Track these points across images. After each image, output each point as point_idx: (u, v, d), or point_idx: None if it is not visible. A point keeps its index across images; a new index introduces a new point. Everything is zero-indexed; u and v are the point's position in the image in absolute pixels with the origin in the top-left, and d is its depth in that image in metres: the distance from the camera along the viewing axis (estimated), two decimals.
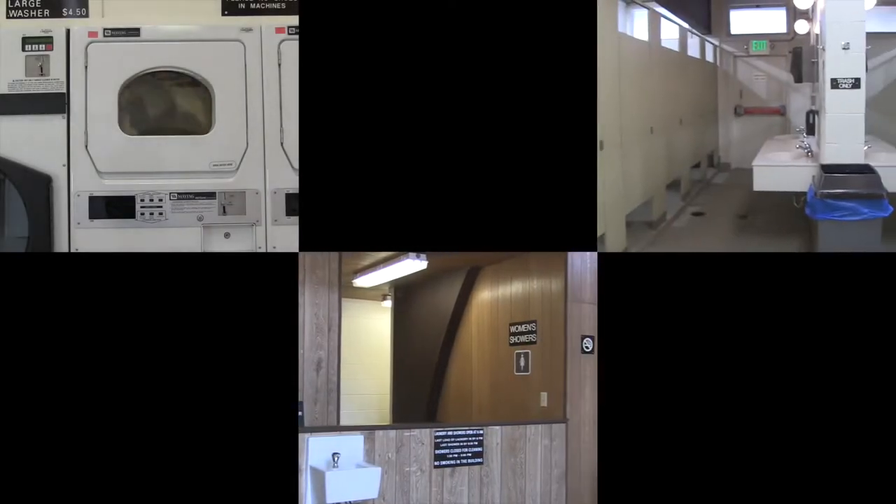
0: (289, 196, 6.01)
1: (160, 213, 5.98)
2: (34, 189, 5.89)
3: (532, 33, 5.16)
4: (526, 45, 5.16)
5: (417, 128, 5.18)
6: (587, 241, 5.23)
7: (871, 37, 10.12)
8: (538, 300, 7.21)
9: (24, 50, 5.91)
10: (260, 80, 6.02)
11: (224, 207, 6.02)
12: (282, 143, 5.99)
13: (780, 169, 7.75)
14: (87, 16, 6.02)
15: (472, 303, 8.45)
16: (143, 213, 5.97)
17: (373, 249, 6.70)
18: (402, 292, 9.79)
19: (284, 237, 6.03)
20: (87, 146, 5.94)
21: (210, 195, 6.01)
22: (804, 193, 7.28)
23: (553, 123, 5.16)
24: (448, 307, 8.63)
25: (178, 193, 5.99)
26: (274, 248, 6.05)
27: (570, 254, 6.72)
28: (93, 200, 5.96)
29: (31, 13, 6.00)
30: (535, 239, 5.28)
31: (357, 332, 9.45)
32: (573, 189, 5.16)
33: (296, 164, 5.92)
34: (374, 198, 5.20)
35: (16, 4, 6.00)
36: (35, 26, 5.95)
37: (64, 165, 5.94)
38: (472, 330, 8.42)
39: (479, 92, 5.17)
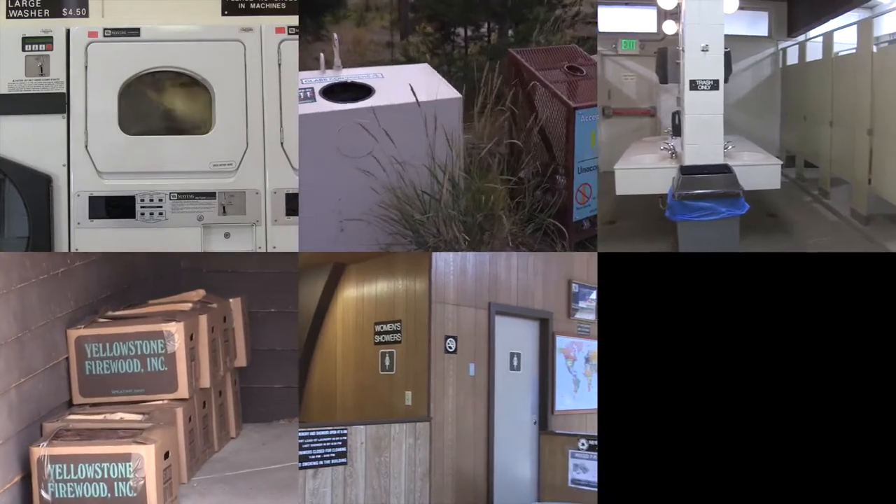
0: (289, 196, 6.05)
1: (160, 213, 5.99)
2: (34, 189, 5.85)
3: None
4: None
5: None
6: None
7: (739, 39, 10.31)
8: (403, 300, 7.18)
9: (24, 50, 5.86)
10: (260, 80, 6.05)
11: (224, 207, 6.04)
12: (282, 143, 6.04)
13: (642, 171, 7.57)
14: (87, 16, 5.98)
15: (337, 300, 8.40)
16: (143, 213, 5.97)
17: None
18: None
19: (284, 237, 6.06)
20: (87, 146, 5.92)
21: (210, 195, 6.03)
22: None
23: None
24: (312, 304, 8.52)
25: (178, 193, 6.00)
26: (274, 248, 6.08)
27: (434, 254, 6.74)
28: (93, 200, 5.94)
29: (31, 13, 5.93)
30: None
31: None
32: None
33: (296, 164, 5.96)
34: None
35: (16, 4, 5.93)
36: (35, 26, 5.90)
37: (64, 165, 5.92)
38: (337, 328, 8.36)
39: None
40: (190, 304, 5.61)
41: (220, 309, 5.77)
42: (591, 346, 8.51)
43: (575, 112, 6.86)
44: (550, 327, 8.00)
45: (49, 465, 4.33)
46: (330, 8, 11.85)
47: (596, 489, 6.63)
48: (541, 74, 7.11)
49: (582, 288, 8.34)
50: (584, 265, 8.44)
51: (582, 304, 8.35)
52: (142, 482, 4.35)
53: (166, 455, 4.63)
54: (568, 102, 6.89)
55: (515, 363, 7.63)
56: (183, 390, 5.18)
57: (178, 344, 5.11)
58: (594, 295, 8.47)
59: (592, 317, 8.48)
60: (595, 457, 6.84)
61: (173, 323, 5.14)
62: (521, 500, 7.25)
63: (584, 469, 7.02)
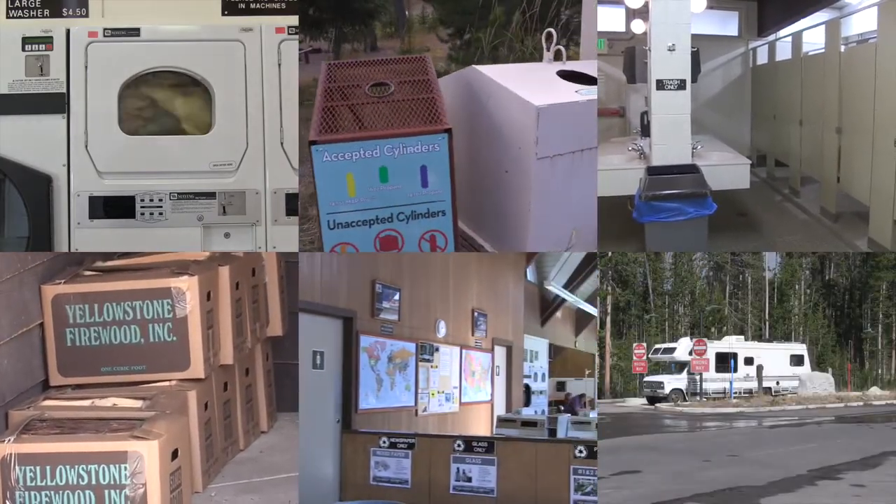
0: (289, 196, 6.08)
1: (160, 213, 5.99)
2: (34, 189, 5.85)
3: None
4: None
5: None
6: None
7: (709, 39, 10.46)
8: None
9: (24, 50, 5.88)
10: (260, 80, 6.07)
11: (224, 207, 6.06)
12: (282, 143, 6.07)
13: (609, 172, 7.52)
14: (87, 16, 5.98)
15: None
16: (143, 213, 5.97)
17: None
18: None
19: (284, 237, 6.09)
20: (87, 146, 5.93)
21: (210, 195, 6.04)
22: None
23: None
24: None
25: (178, 193, 6.01)
26: (274, 248, 6.11)
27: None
28: (93, 200, 5.95)
29: (31, 13, 5.93)
30: None
31: None
32: None
33: (296, 164, 6.01)
34: None
35: (16, 4, 5.92)
36: (35, 26, 5.91)
37: (64, 165, 5.93)
38: None
39: None
40: (207, 252, 4.71)
41: (247, 258, 4.77)
42: (394, 346, 8.53)
43: (311, 147, 4.74)
44: (354, 326, 7.85)
45: (17, 467, 3.42)
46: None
47: (397, 485, 6.63)
48: (324, 96, 5.53)
49: (386, 289, 8.35)
50: (389, 266, 8.47)
51: (385, 304, 8.36)
52: (141, 490, 3.44)
53: (175, 454, 3.71)
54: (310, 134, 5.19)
55: (318, 361, 7.43)
56: (197, 368, 4.23)
57: (190, 305, 4.18)
58: (398, 296, 8.56)
59: (396, 317, 8.53)
60: (396, 453, 6.88)
61: (184, 277, 4.21)
62: (323, 499, 7.07)
63: (386, 466, 6.98)
